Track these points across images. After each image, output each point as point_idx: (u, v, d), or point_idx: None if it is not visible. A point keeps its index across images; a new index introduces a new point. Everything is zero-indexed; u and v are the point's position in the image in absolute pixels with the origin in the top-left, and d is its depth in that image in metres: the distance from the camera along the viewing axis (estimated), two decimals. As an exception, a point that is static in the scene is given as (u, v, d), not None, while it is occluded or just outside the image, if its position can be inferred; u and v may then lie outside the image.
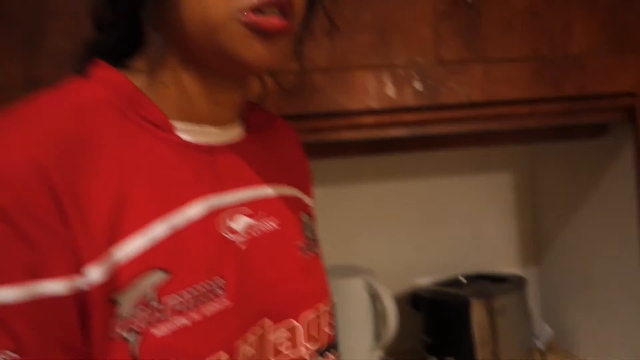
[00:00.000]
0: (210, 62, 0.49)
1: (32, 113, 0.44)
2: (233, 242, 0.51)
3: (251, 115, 0.61)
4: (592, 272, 1.21)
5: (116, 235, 0.43)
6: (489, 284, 1.26)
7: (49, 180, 0.41)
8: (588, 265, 1.22)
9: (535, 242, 1.42)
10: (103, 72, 0.50)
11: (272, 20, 0.46)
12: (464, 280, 1.29)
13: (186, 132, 0.52)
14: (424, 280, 1.31)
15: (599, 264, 1.18)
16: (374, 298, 1.17)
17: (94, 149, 0.44)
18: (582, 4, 0.92)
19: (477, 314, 1.15)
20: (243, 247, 0.52)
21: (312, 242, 0.63)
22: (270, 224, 0.56)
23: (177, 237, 0.47)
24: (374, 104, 0.89)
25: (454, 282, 1.28)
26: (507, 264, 1.39)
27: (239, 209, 0.53)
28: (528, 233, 1.41)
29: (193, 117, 0.52)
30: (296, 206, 0.62)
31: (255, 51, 0.46)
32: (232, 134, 0.57)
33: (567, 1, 0.92)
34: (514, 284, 1.23)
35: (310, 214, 0.66)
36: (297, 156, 0.70)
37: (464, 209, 1.37)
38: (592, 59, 0.93)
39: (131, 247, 0.44)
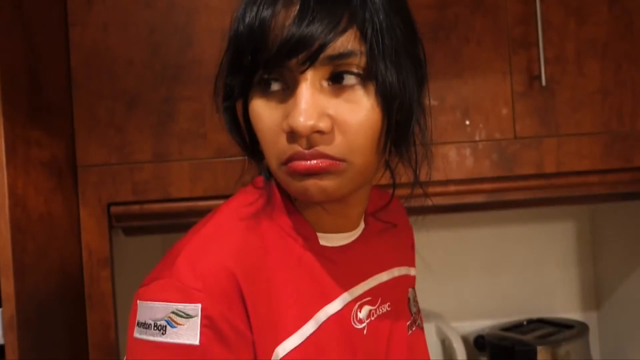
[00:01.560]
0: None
1: (220, 230, 0.55)
2: (359, 330, 0.61)
3: (369, 203, 0.69)
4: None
5: (279, 336, 0.54)
6: (551, 329, 1.33)
7: (240, 289, 0.51)
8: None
9: (596, 289, 1.48)
10: (260, 190, 0.60)
11: (301, 165, 0.52)
12: (527, 325, 1.36)
13: (324, 239, 0.61)
14: (487, 324, 1.39)
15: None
16: (444, 341, 1.26)
17: (263, 259, 0.55)
18: (650, 84, 1.00)
19: (543, 361, 1.22)
20: (365, 331, 0.62)
21: (416, 315, 0.72)
22: (385, 307, 0.65)
23: (320, 331, 0.57)
24: (455, 174, 0.98)
25: (517, 326, 1.36)
26: (567, 309, 1.45)
27: (363, 299, 0.63)
28: (588, 280, 1.47)
29: (324, 229, 0.62)
30: (404, 284, 0.72)
31: (296, 189, 0.54)
32: (358, 231, 0.66)
33: (635, 82, 1.00)
34: (577, 330, 1.30)
35: (413, 286, 0.76)
36: (404, 229, 0.78)
37: (527, 255, 1.44)
38: (659, 134, 1.01)
39: (289, 343, 0.54)
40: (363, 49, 0.51)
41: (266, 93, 0.53)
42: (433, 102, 0.98)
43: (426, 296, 1.40)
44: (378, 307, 0.65)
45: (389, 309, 0.66)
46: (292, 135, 0.51)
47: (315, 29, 0.49)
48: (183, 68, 0.96)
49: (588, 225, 1.47)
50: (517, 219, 1.44)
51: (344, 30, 0.50)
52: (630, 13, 1.00)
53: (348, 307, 0.61)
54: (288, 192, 0.56)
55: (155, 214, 0.97)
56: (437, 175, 0.98)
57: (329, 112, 0.51)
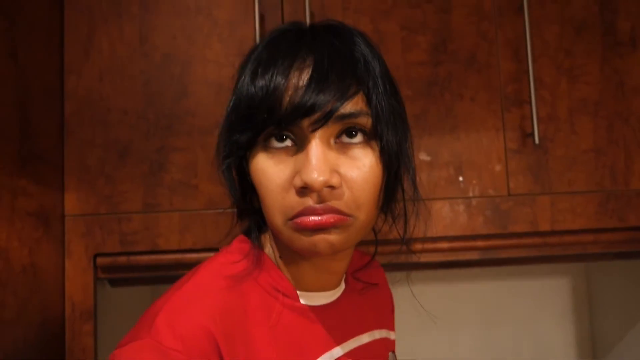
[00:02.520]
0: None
1: (198, 290, 0.54)
2: None
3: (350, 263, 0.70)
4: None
5: None
6: (547, 389, 1.29)
7: (219, 350, 0.51)
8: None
9: (592, 345, 1.44)
10: (243, 247, 0.60)
11: (311, 220, 0.52)
12: (523, 384, 1.33)
13: (304, 298, 0.61)
14: (483, 381, 1.35)
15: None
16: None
17: (242, 318, 0.54)
18: (643, 143, 1.01)
19: None
20: None
21: None
22: None
23: None
24: (448, 231, 0.97)
25: (512, 385, 1.32)
26: (564, 368, 1.42)
27: None
28: (585, 336, 1.44)
29: (307, 287, 0.61)
30: (384, 347, 0.71)
31: (302, 244, 0.54)
32: (338, 292, 0.65)
33: (627, 141, 1.00)
34: (574, 392, 1.26)
35: (393, 349, 0.74)
36: (384, 293, 0.79)
37: (524, 311, 1.42)
38: (653, 193, 1.00)
39: None
40: (369, 111, 0.54)
41: (271, 150, 0.54)
42: (426, 158, 0.98)
43: (420, 352, 1.37)
44: None
45: None
46: (304, 190, 0.52)
47: (329, 94, 0.52)
48: (177, 118, 0.96)
49: (584, 282, 1.45)
50: (514, 274, 1.42)
51: (354, 94, 0.53)
52: (621, 73, 1.02)
53: None
54: (292, 248, 0.56)
55: (143, 265, 0.95)
56: (430, 232, 0.97)
57: (337, 169, 0.53)
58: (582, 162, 1.00)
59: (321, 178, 0.51)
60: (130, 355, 0.50)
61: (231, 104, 0.57)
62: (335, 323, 0.63)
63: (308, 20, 0.95)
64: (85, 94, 0.96)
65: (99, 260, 0.94)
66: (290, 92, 0.53)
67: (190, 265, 0.62)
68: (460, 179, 0.98)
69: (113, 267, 0.95)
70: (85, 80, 0.96)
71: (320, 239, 0.53)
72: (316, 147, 0.52)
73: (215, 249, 0.66)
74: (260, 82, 0.53)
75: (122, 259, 0.95)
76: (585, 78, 1.01)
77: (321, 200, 0.52)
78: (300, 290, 0.61)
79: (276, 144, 0.54)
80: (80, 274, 0.94)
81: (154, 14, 0.97)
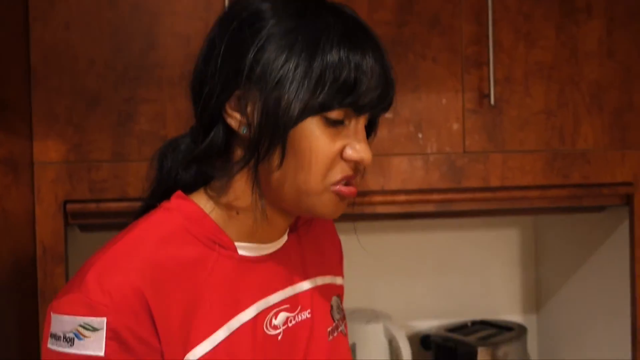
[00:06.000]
0: (292, 210, 0.65)
1: (130, 248, 0.58)
2: (272, 336, 0.65)
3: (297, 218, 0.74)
4: (585, 324, 1.35)
5: (190, 343, 0.57)
6: (493, 330, 1.41)
7: (146, 304, 0.55)
8: (582, 317, 1.36)
9: (536, 293, 1.56)
10: (182, 203, 0.63)
11: (352, 190, 0.63)
12: (471, 326, 1.44)
13: (244, 249, 0.65)
14: (434, 324, 1.46)
15: (592, 317, 1.32)
16: (391, 340, 1.31)
17: (176, 273, 0.58)
18: (590, 107, 1.07)
19: (482, 361, 1.29)
20: (280, 337, 0.65)
21: (339, 321, 0.76)
22: (304, 315, 0.69)
23: (231, 337, 0.61)
24: (406, 185, 1.03)
25: (461, 327, 1.43)
26: (510, 312, 1.53)
27: (281, 307, 0.67)
28: (530, 284, 1.55)
29: (253, 239, 0.65)
30: (328, 292, 0.76)
31: (338, 210, 0.64)
32: (281, 242, 0.70)
33: (577, 104, 1.07)
34: (516, 332, 1.38)
35: (340, 294, 0.80)
36: (331, 240, 0.83)
37: (474, 260, 1.51)
38: (596, 154, 1.08)
39: (199, 350, 0.58)
40: None
41: (329, 122, 0.60)
42: (388, 115, 1.02)
43: (377, 297, 1.46)
44: (297, 314, 0.68)
45: (309, 315, 0.70)
46: (352, 163, 0.61)
47: (392, 90, 0.64)
48: (145, 70, 0.97)
49: (532, 233, 1.55)
50: (466, 226, 1.50)
51: None
52: (575, 39, 1.07)
53: (262, 314, 0.64)
54: (316, 210, 0.62)
55: (112, 212, 0.98)
56: (389, 185, 1.02)
57: None
58: (533, 123, 1.06)
59: (371, 157, 0.62)
60: (62, 308, 0.55)
61: (301, 59, 0.58)
62: (275, 272, 0.67)
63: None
64: (52, 42, 0.95)
65: (69, 206, 0.97)
66: (375, 80, 0.60)
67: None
68: (420, 135, 1.03)
69: (83, 214, 0.98)
70: (52, 29, 0.95)
71: (343, 206, 0.64)
72: (363, 129, 0.63)
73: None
74: (355, 59, 0.58)
75: (92, 206, 0.97)
76: (542, 43, 1.06)
77: (357, 170, 0.62)
78: (243, 241, 0.65)
79: (337, 121, 0.60)
80: (51, 219, 0.96)
81: (122, -38, 0.96)
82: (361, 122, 0.62)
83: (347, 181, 0.62)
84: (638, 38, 1.08)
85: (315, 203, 0.61)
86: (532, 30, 1.05)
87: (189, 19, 0.97)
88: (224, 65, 0.60)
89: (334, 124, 0.60)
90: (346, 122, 0.61)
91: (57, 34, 0.95)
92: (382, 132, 1.00)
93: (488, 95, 1.02)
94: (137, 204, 1.01)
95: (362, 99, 0.59)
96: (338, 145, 0.60)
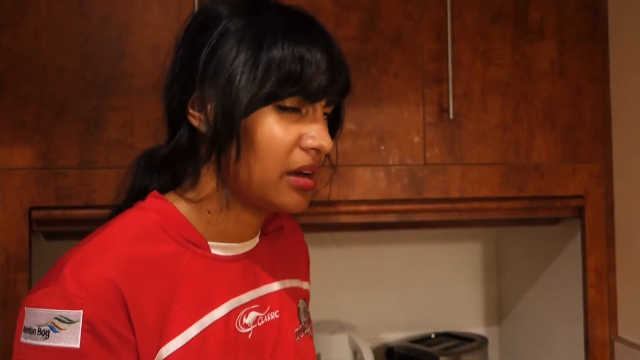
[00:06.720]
0: (257, 204, 0.66)
1: (106, 243, 0.60)
2: (243, 334, 0.67)
3: (267, 221, 0.77)
4: (543, 334, 1.39)
5: (164, 338, 0.59)
6: (455, 342, 1.44)
7: (122, 298, 0.56)
8: (540, 328, 1.41)
9: (497, 306, 1.60)
10: (157, 202, 0.65)
11: (308, 182, 0.65)
12: (434, 338, 1.46)
13: (217, 249, 0.67)
14: (399, 336, 1.48)
15: (549, 327, 1.36)
16: (355, 352, 1.33)
17: (151, 268, 0.60)
18: (544, 123, 1.13)
19: (445, 371, 1.32)
20: (250, 335, 0.67)
21: (306, 324, 0.78)
22: (273, 315, 0.72)
23: (204, 334, 0.62)
24: (369, 195, 1.06)
25: (425, 339, 1.46)
26: (472, 324, 1.57)
27: (251, 306, 0.69)
28: (492, 297, 1.59)
29: (225, 238, 0.68)
30: (295, 295, 0.78)
31: (298, 204, 0.65)
32: (252, 243, 0.73)
33: (531, 120, 1.12)
34: (478, 343, 1.41)
35: (306, 298, 0.83)
36: (299, 247, 0.86)
37: (438, 273, 1.55)
38: (549, 167, 1.13)
39: (173, 345, 0.60)
40: None
41: (284, 112, 0.62)
42: (352, 127, 1.06)
43: (342, 309, 1.48)
44: (266, 314, 0.71)
45: (277, 316, 0.72)
46: (311, 152, 0.63)
47: (345, 78, 0.66)
48: (114, 79, 0.99)
49: (494, 247, 1.60)
50: (430, 239, 1.54)
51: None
52: (529, 59, 1.13)
53: (234, 312, 0.66)
54: (274, 200, 0.64)
55: (78, 219, 0.99)
56: (352, 195, 1.06)
57: None
58: (490, 137, 1.11)
59: (330, 144, 0.63)
60: (37, 301, 0.56)
61: (248, 55, 0.61)
62: (246, 272, 0.70)
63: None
64: (22, 50, 0.97)
65: (34, 213, 0.97)
66: (322, 69, 0.62)
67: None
68: (382, 147, 1.07)
69: (48, 221, 0.98)
70: (22, 37, 0.97)
71: (306, 199, 0.65)
72: (322, 117, 0.65)
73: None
74: (299, 52, 0.61)
75: (57, 213, 0.98)
76: (498, 61, 1.12)
77: (317, 161, 0.64)
78: (215, 241, 0.67)
79: (289, 108, 0.62)
80: (15, 226, 0.96)
81: (93, -26, 0.99)
82: (319, 111, 0.65)
83: (308, 173, 0.64)
84: (587, 58, 1.15)
85: (272, 193, 0.63)
86: (489, 49, 1.11)
87: (159, 29, 1.00)
88: (182, 68, 0.64)
89: (290, 112, 0.62)
90: (303, 111, 0.64)
91: (27, 42, 0.97)
92: (345, 143, 1.04)
93: (447, 110, 1.07)
94: (104, 212, 1.01)
95: (310, 87, 0.62)
96: (294, 133, 0.63)
